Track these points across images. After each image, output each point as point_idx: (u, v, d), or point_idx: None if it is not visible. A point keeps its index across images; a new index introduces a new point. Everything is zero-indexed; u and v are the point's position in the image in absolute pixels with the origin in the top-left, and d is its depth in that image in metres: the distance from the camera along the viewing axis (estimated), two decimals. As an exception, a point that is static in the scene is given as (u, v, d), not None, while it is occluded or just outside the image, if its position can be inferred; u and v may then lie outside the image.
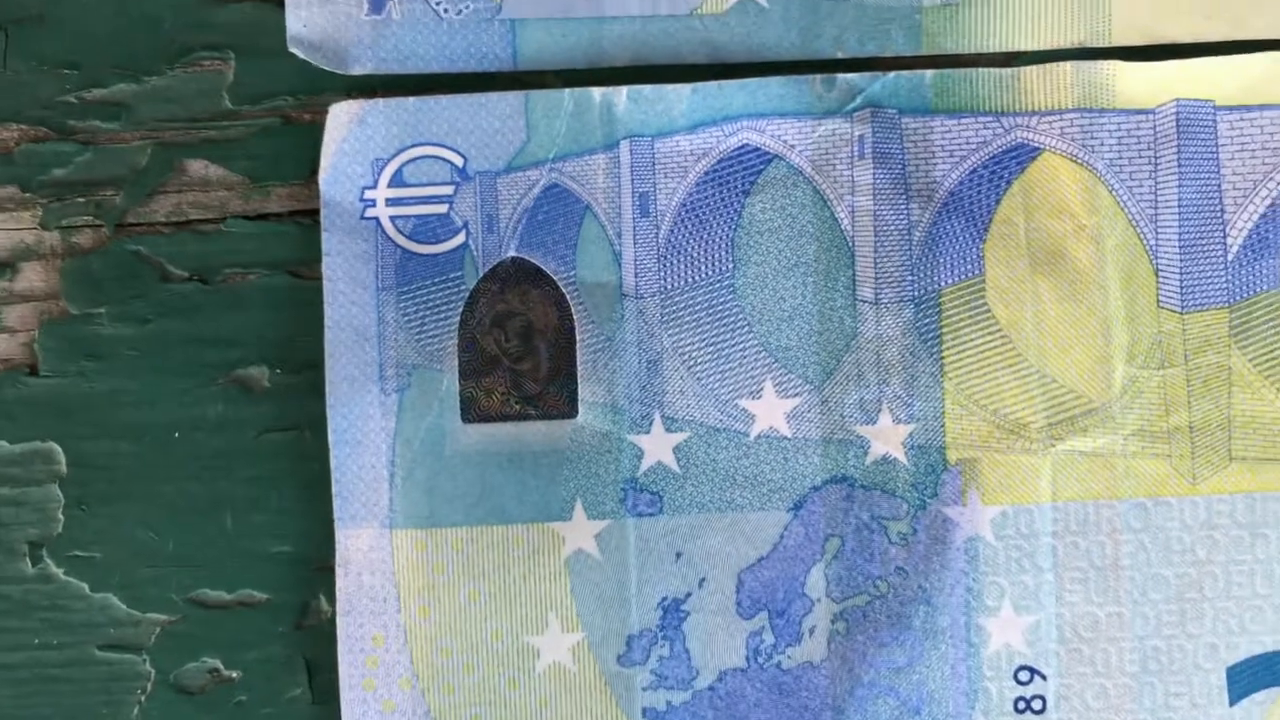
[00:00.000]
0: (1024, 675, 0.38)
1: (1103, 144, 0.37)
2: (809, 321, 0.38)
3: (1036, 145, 0.37)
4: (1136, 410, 0.37)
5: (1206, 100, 0.37)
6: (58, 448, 0.39)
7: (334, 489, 0.38)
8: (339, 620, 0.38)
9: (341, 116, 0.38)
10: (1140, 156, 0.37)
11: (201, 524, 0.39)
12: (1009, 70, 0.37)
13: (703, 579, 0.38)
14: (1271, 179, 0.37)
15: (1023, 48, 0.38)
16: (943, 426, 0.38)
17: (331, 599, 0.38)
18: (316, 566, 0.39)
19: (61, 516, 0.39)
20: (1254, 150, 0.37)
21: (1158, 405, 0.37)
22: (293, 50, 0.37)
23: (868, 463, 0.38)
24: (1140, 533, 0.38)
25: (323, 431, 0.38)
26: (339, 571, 0.38)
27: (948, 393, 0.38)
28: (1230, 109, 0.37)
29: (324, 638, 0.38)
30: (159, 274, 0.39)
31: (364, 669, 0.38)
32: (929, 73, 0.37)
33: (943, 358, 0.38)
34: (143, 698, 0.39)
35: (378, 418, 0.38)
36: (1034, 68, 0.37)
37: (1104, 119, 0.37)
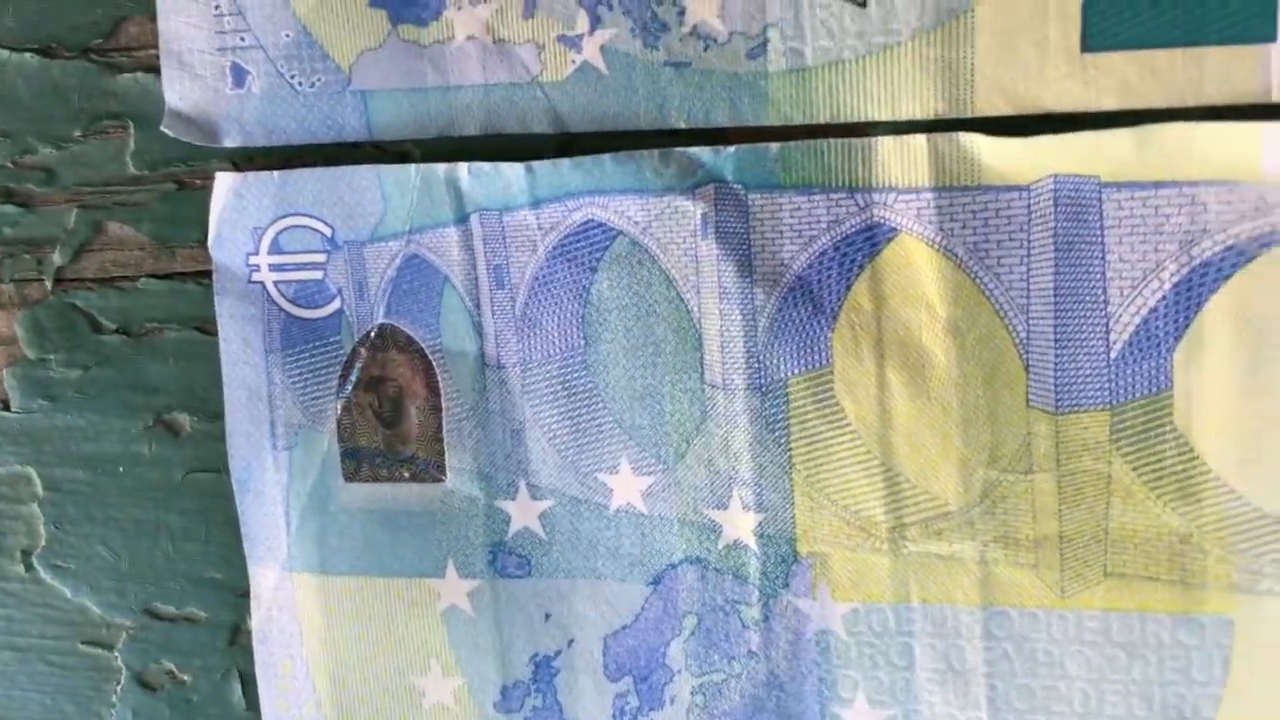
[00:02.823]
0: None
1: (964, 226, 0.33)
2: (660, 402, 0.37)
3: (893, 225, 0.34)
4: (999, 516, 0.34)
5: (1090, 176, 0.32)
6: (34, 473, 0.44)
7: (243, 530, 0.41)
8: (255, 647, 0.42)
9: (222, 186, 0.39)
10: (1011, 240, 0.33)
11: (148, 548, 0.43)
12: (861, 141, 0.33)
13: (571, 640, 0.39)
14: (1165, 268, 0.32)
15: (876, 118, 0.33)
16: (793, 519, 0.36)
17: (256, 623, 0.42)
18: (241, 593, 0.42)
19: (43, 531, 0.44)
20: (1145, 234, 0.32)
21: (1024, 512, 0.34)
22: (165, 129, 0.39)
23: (720, 547, 0.37)
24: (1004, 641, 0.35)
25: (236, 475, 0.41)
26: (253, 604, 0.41)
27: (797, 485, 0.36)
28: (1118, 186, 0.32)
29: (253, 656, 0.42)
30: (91, 325, 0.42)
31: (277, 691, 0.42)
32: (774, 145, 0.34)
33: (790, 449, 0.36)
34: (118, 689, 0.45)
35: (272, 471, 0.40)
36: (889, 139, 0.33)
37: (965, 198, 0.33)
